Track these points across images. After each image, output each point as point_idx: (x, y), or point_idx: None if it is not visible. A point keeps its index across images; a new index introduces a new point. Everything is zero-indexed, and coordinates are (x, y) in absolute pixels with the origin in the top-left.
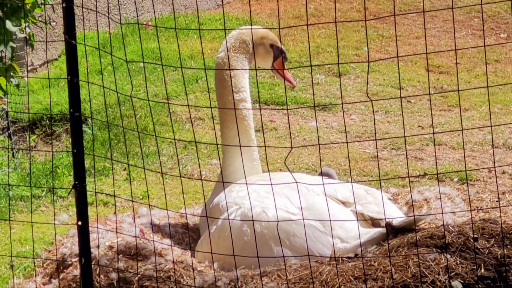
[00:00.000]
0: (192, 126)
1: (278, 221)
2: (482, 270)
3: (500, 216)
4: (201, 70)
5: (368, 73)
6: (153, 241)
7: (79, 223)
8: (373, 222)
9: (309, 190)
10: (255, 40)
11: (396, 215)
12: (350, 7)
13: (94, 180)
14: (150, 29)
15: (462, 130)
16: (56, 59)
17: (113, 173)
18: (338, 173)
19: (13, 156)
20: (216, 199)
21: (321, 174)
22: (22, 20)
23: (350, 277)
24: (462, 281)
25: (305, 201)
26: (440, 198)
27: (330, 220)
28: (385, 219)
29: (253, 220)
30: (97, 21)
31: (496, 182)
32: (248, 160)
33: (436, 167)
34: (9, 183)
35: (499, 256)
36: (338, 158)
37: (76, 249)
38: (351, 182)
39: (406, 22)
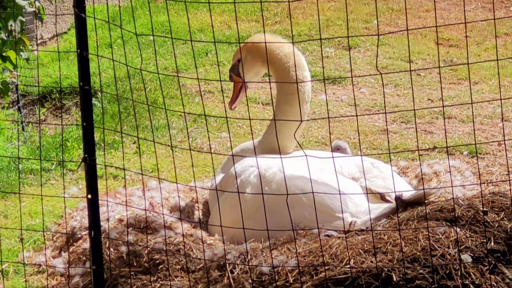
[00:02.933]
0: (202, 99)
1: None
2: (492, 244)
3: (510, 189)
4: (210, 43)
5: (377, 46)
6: (163, 214)
7: (89, 196)
8: (381, 196)
9: (319, 167)
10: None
11: (403, 187)
12: None
13: (104, 153)
14: (160, 2)
15: (471, 103)
16: (65, 33)
17: (122, 147)
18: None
19: (22, 129)
20: (229, 169)
21: (332, 150)
22: None
23: (360, 250)
24: (471, 254)
25: (316, 177)
26: (450, 172)
27: (339, 194)
28: (394, 192)
29: (260, 180)
30: None
31: (506, 155)
32: (291, 138)
33: (446, 141)
34: (18, 156)
35: (508, 229)
36: (347, 131)
37: (85, 222)
38: (361, 155)
39: None
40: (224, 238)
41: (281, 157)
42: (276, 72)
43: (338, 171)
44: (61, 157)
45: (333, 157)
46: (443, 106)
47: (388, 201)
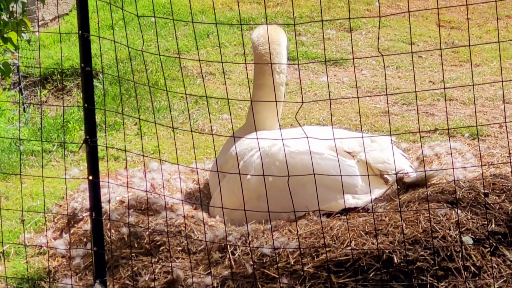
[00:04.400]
0: (203, 81)
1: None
2: (493, 225)
3: (511, 171)
4: (212, 25)
5: (379, 28)
6: (164, 195)
7: (90, 177)
8: (382, 177)
9: (318, 143)
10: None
11: (400, 160)
12: None
13: (105, 135)
14: None
15: (473, 85)
16: (67, 14)
17: (124, 128)
18: (349, 128)
19: (24, 110)
20: (229, 151)
21: None
22: None
23: (361, 232)
24: (472, 236)
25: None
26: (451, 154)
27: (341, 175)
28: (396, 173)
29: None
30: None
31: (507, 137)
32: (273, 116)
33: (447, 123)
34: (20, 137)
35: (509, 211)
36: (349, 113)
37: (87, 203)
38: (362, 137)
39: None
40: (226, 221)
41: (282, 139)
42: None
43: (338, 146)
44: (62, 139)
45: (334, 138)
46: (444, 88)
47: (386, 179)
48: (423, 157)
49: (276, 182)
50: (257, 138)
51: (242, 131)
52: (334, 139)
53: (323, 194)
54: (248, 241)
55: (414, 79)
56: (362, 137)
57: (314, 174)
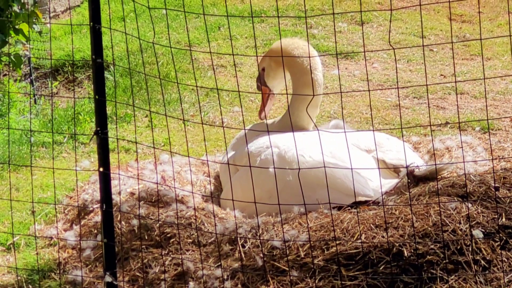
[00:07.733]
0: (214, 73)
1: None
2: (503, 219)
3: None
4: (223, 17)
5: (390, 22)
6: (175, 188)
7: (101, 169)
8: (395, 170)
9: (333, 142)
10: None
11: (416, 161)
12: None
13: (116, 127)
14: None
15: (484, 79)
16: (78, 6)
17: (134, 120)
18: (360, 121)
19: (35, 102)
20: (242, 147)
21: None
22: None
23: (371, 225)
24: (483, 230)
25: (330, 152)
26: (462, 147)
27: (351, 168)
28: (406, 167)
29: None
30: None
31: None
32: (311, 113)
33: (458, 116)
34: (31, 129)
35: None
36: (360, 106)
37: (97, 195)
38: (373, 130)
39: None
40: (237, 216)
41: (293, 132)
42: (293, 73)
43: (355, 144)
44: (73, 130)
45: (345, 131)
46: (455, 82)
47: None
48: (433, 150)
49: (289, 186)
50: (268, 130)
51: (276, 126)
52: (345, 131)
53: (335, 199)
54: (258, 234)
55: (425, 73)
56: (373, 130)
57: (326, 179)
